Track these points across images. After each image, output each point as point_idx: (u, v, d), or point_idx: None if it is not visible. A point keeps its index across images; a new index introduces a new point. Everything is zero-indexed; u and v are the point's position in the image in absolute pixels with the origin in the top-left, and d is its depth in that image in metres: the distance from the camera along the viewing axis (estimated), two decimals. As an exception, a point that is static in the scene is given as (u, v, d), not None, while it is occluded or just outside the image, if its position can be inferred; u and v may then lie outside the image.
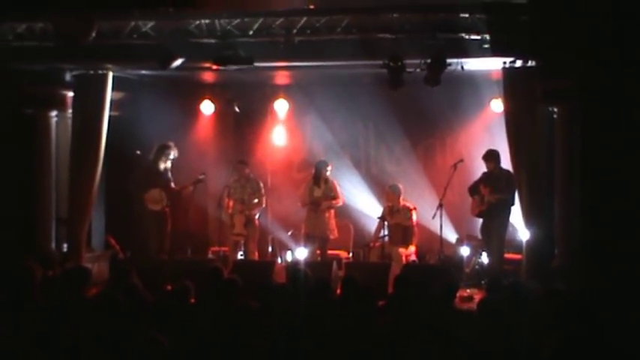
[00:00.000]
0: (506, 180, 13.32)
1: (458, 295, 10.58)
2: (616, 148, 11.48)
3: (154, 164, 14.67)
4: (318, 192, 14.49)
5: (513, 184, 13.14)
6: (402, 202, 14.45)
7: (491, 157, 13.64)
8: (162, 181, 14.60)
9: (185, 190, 14.80)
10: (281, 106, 16.43)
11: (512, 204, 13.30)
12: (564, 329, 6.78)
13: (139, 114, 14.99)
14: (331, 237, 14.56)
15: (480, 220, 13.95)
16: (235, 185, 14.76)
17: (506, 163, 13.41)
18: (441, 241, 13.84)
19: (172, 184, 14.74)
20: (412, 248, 14.37)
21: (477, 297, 12.16)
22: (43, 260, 11.01)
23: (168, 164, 14.73)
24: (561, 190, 13.40)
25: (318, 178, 14.55)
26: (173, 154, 14.71)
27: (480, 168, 13.87)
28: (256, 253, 14.80)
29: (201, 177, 14.69)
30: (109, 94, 13.84)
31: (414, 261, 14.22)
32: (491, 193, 13.46)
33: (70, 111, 14.33)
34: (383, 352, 6.26)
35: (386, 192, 14.83)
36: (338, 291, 10.48)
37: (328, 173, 14.61)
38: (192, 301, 8.85)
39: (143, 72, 14.70)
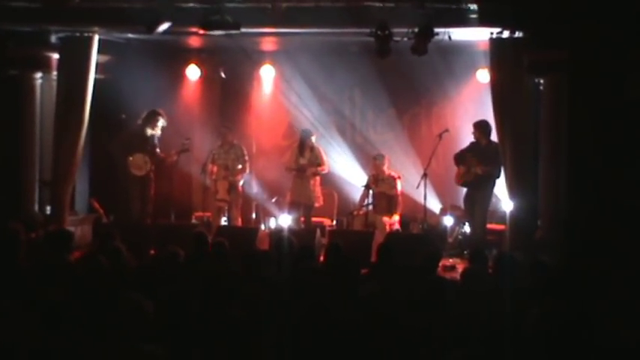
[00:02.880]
0: (494, 153, 13.29)
1: (441, 264, 10.63)
2: (602, 120, 11.52)
3: (141, 129, 14.59)
4: (304, 160, 14.49)
5: (500, 158, 13.14)
6: (386, 171, 14.47)
7: (482, 128, 13.57)
8: (147, 146, 14.53)
9: (169, 159, 14.74)
10: (267, 73, 16.39)
11: (498, 177, 13.30)
12: (545, 301, 6.81)
13: (124, 78, 14.87)
14: (316, 204, 14.58)
15: (464, 190, 13.95)
16: (219, 151, 14.73)
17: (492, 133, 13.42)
18: (425, 210, 13.88)
19: (158, 151, 14.67)
20: (396, 217, 14.40)
21: (460, 267, 12.20)
22: (26, 222, 10.99)
23: (157, 131, 14.63)
24: (546, 162, 13.43)
25: (303, 146, 14.55)
26: (162, 121, 14.62)
27: (466, 138, 13.87)
28: (240, 220, 14.80)
29: (186, 142, 14.66)
30: (94, 56, 13.76)
31: (397, 230, 14.25)
32: (478, 165, 13.45)
33: (55, 73, 14.23)
34: (365, 320, 6.26)
35: (371, 160, 14.84)
36: (321, 258, 10.49)
37: (313, 141, 14.60)
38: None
39: (129, 35, 14.59)
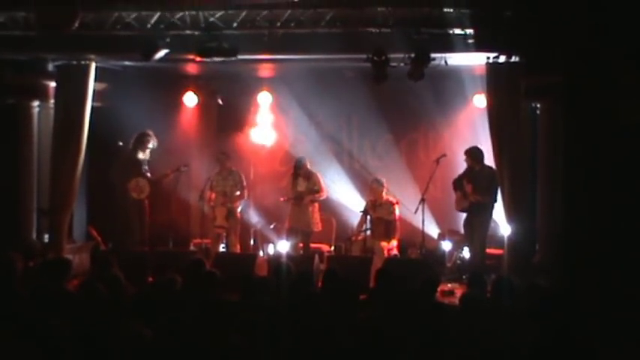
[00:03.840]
0: (488, 179, 13.30)
1: (439, 289, 10.60)
2: (599, 144, 11.53)
3: (132, 153, 14.60)
4: (302, 186, 14.49)
5: (495, 183, 13.14)
6: (384, 197, 14.45)
7: (472, 154, 13.62)
8: (142, 170, 14.55)
9: (165, 179, 14.75)
10: (264, 99, 16.39)
11: (495, 202, 13.31)
12: (543, 325, 6.80)
13: (121, 105, 14.91)
14: (315, 229, 14.57)
15: (463, 215, 13.95)
16: (217, 177, 14.74)
17: (489, 158, 13.42)
18: (423, 235, 13.86)
19: (149, 174, 14.66)
20: (394, 242, 14.38)
21: (458, 291, 12.20)
22: (24, 250, 11.01)
23: (147, 154, 14.66)
24: (543, 186, 13.46)
25: (297, 175, 14.57)
26: (152, 142, 14.64)
27: (463, 163, 13.87)
28: (238, 246, 14.79)
29: (184, 169, 14.67)
30: (91, 84, 13.78)
31: (395, 255, 14.23)
32: (473, 193, 13.47)
33: (52, 101, 14.28)
34: (364, 346, 6.25)
35: (369, 186, 14.83)
36: (319, 284, 10.48)
37: (308, 168, 14.60)
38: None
39: (126, 63, 14.62)
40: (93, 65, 13.77)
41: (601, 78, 11.52)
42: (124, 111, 14.80)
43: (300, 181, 14.52)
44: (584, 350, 5.94)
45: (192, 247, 15.21)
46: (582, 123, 11.82)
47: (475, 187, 13.44)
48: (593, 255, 11.28)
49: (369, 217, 14.30)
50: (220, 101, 16.26)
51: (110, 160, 15.15)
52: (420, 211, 13.66)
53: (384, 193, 14.46)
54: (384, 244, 14.10)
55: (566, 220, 12.13)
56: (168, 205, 14.88)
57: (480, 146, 13.71)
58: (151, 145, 14.65)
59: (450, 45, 12.34)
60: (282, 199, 14.82)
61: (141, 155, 14.62)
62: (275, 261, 12.15)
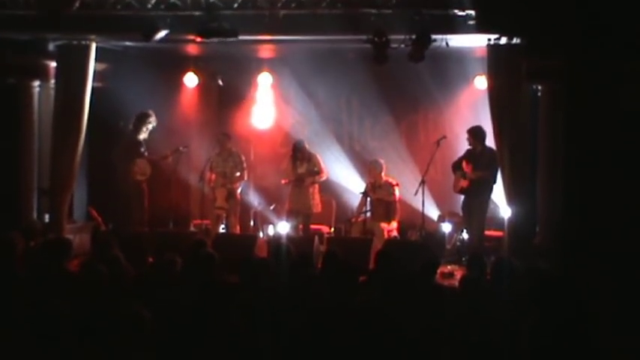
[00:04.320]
0: (488, 158, 13.32)
1: (439, 271, 10.61)
2: (600, 126, 11.53)
3: (133, 134, 14.62)
4: (302, 168, 14.48)
5: (496, 163, 13.14)
6: (384, 178, 14.43)
7: (475, 134, 13.62)
8: (144, 151, 14.58)
9: (164, 160, 14.78)
10: (265, 80, 16.37)
11: (494, 182, 13.32)
12: (543, 307, 6.81)
13: (122, 86, 14.89)
14: (315, 211, 14.57)
15: (462, 197, 13.95)
16: (217, 159, 14.73)
17: (489, 139, 13.40)
18: (423, 217, 13.86)
19: (146, 154, 14.69)
20: (394, 224, 14.38)
21: (458, 273, 12.23)
22: (24, 231, 11.01)
23: (146, 135, 14.68)
24: (544, 168, 13.45)
25: (296, 157, 14.56)
26: (152, 122, 14.67)
27: (463, 145, 13.87)
28: (238, 227, 14.80)
29: (183, 149, 14.69)
30: (92, 65, 13.76)
31: (395, 237, 14.24)
32: (472, 171, 13.48)
33: (52, 81, 14.25)
34: (363, 327, 6.27)
35: (368, 167, 14.82)
36: (319, 266, 10.49)
37: (307, 149, 14.59)
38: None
39: (127, 43, 14.60)
40: (93, 45, 13.74)
41: (603, 61, 11.50)
42: (124, 91, 14.78)
43: (300, 163, 14.51)
44: (584, 333, 5.96)
45: (192, 228, 15.24)
46: (583, 106, 11.82)
47: (475, 165, 13.44)
48: (593, 238, 11.29)
49: (369, 198, 14.29)
50: (221, 82, 16.23)
51: (111, 140, 15.15)
52: (419, 193, 13.66)
53: (382, 175, 14.44)
54: (383, 225, 14.10)
55: (566, 203, 12.14)
56: (168, 186, 14.87)
57: (481, 127, 13.71)
58: (151, 126, 14.67)
59: (451, 26, 12.30)
60: (283, 181, 14.81)
61: (141, 136, 14.63)
62: (275, 242, 12.15)
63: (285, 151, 15.67)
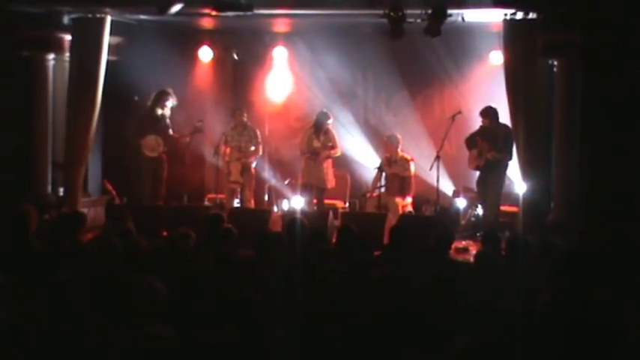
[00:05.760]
0: (504, 137, 13.27)
1: (453, 246, 10.59)
2: (616, 101, 11.47)
3: (151, 110, 14.63)
4: (317, 142, 14.43)
5: (511, 140, 13.10)
6: (400, 153, 14.41)
7: (488, 113, 13.57)
8: (159, 127, 14.57)
9: (182, 139, 14.79)
10: (280, 54, 16.33)
11: (510, 159, 13.28)
12: (557, 284, 6.80)
13: (136, 59, 14.86)
14: (329, 186, 14.54)
15: (477, 173, 13.91)
16: (232, 133, 14.70)
17: (504, 115, 13.36)
18: (438, 192, 13.82)
19: (170, 131, 14.71)
20: (409, 199, 14.37)
21: (473, 249, 12.23)
22: (39, 204, 11.05)
23: (167, 111, 14.70)
24: (560, 144, 13.39)
25: (319, 129, 14.49)
26: (172, 101, 14.69)
27: (478, 120, 13.79)
28: (252, 202, 14.80)
29: (199, 124, 14.70)
30: (106, 38, 13.74)
31: (410, 212, 14.22)
32: (489, 150, 13.43)
33: (67, 54, 14.24)
34: (378, 303, 6.26)
35: (384, 142, 14.78)
36: (334, 240, 10.49)
37: (329, 125, 14.56)
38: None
39: (141, 17, 14.58)
40: (108, 18, 13.72)
41: (619, 36, 11.43)
42: (139, 65, 14.76)
43: (317, 136, 14.45)
44: (599, 310, 5.94)
45: (206, 202, 15.24)
46: (600, 81, 11.76)
47: (491, 144, 13.39)
48: (609, 214, 11.25)
49: (384, 173, 14.26)
50: (236, 56, 16.20)
51: (125, 114, 15.19)
52: (434, 169, 13.62)
53: (399, 150, 14.42)
54: (398, 200, 14.09)
55: (582, 179, 12.10)
56: (182, 160, 14.89)
57: (494, 105, 13.62)
58: (169, 104, 14.70)
59: (467, 1, 12.26)
60: (300, 153, 14.77)
61: (159, 112, 14.63)
62: (289, 217, 12.14)
63: (300, 125, 15.67)
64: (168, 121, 14.71)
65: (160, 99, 14.61)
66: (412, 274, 7.27)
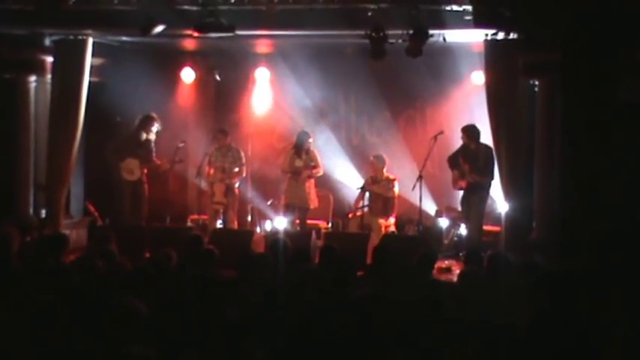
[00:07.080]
0: (484, 158, 13.31)
1: (436, 266, 10.60)
2: (597, 121, 11.52)
3: (136, 134, 14.63)
4: (299, 162, 14.44)
5: (492, 162, 13.16)
6: (385, 173, 14.43)
7: (469, 132, 13.60)
8: (142, 152, 14.55)
9: (162, 167, 14.75)
10: (262, 75, 16.35)
11: (492, 179, 13.32)
12: (539, 302, 6.82)
13: (119, 80, 14.87)
14: (311, 206, 14.53)
15: (460, 192, 13.94)
16: (216, 153, 14.69)
17: (486, 135, 13.40)
18: (420, 212, 13.83)
19: (153, 156, 14.69)
20: (392, 219, 14.39)
21: (456, 268, 12.25)
22: (21, 225, 11.00)
23: (152, 136, 14.71)
24: (541, 163, 13.43)
25: (300, 148, 14.49)
26: (157, 125, 14.69)
27: (461, 140, 13.84)
28: (236, 222, 14.79)
29: (181, 145, 14.70)
30: (88, 59, 13.76)
31: (393, 232, 14.24)
32: (470, 173, 13.45)
33: (49, 76, 14.22)
34: (360, 323, 6.26)
35: (370, 162, 14.78)
36: (316, 261, 10.49)
37: (310, 144, 14.57)
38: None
39: (124, 38, 14.60)
40: (90, 40, 13.74)
41: (600, 55, 11.50)
42: (121, 86, 14.77)
43: (299, 155, 14.44)
44: (579, 327, 5.95)
45: (189, 223, 15.22)
46: (580, 100, 11.81)
47: (472, 166, 13.43)
48: (590, 233, 11.29)
49: (367, 193, 14.27)
50: (218, 77, 16.23)
51: (108, 135, 15.17)
52: (417, 188, 13.63)
53: (384, 170, 14.44)
54: (381, 221, 14.10)
55: (563, 198, 12.14)
56: (165, 180, 14.87)
57: (477, 124, 13.68)
58: (155, 128, 14.70)
59: (449, 22, 12.33)
60: (281, 173, 14.77)
61: (143, 136, 14.63)
62: (272, 237, 12.13)
63: (283, 145, 15.67)
64: (152, 145, 14.70)
65: (147, 124, 14.62)
66: (395, 294, 7.28)
